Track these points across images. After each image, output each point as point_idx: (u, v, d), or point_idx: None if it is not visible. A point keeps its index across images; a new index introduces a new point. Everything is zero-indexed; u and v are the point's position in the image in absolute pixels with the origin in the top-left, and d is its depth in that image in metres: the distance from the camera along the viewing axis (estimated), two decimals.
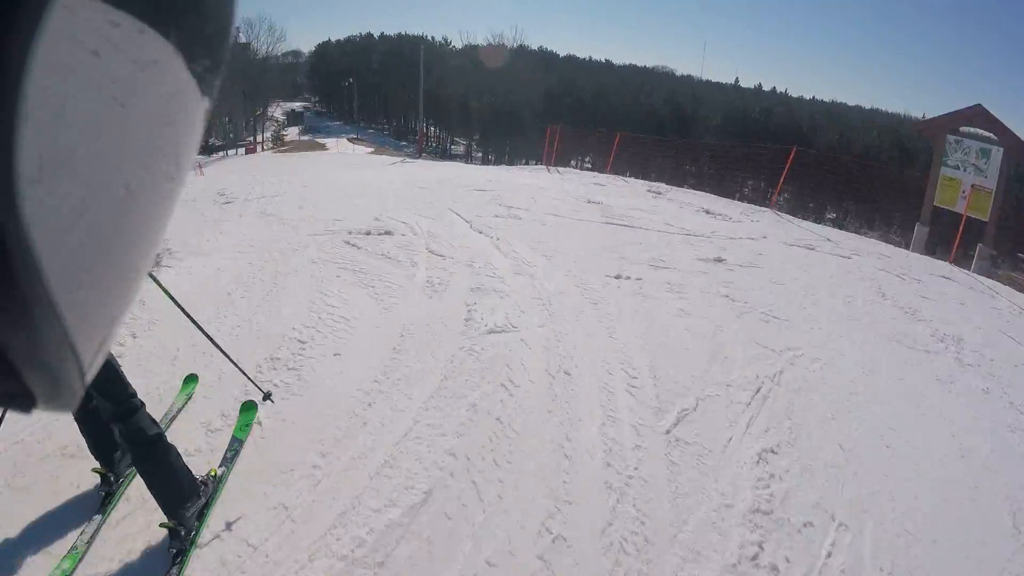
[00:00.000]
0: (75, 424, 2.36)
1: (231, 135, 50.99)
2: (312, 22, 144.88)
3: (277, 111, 76.82)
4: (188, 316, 2.58)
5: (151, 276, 2.45)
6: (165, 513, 2.18)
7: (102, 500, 2.37)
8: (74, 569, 2.08)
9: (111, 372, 2.22)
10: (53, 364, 0.23)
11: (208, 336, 2.65)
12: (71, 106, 0.20)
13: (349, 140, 45.80)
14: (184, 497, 2.23)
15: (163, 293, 2.58)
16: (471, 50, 63.22)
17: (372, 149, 37.65)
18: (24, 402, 0.24)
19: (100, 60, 0.21)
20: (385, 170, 14.04)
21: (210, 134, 52.20)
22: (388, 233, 5.93)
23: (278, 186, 8.34)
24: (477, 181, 9.93)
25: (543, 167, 15.17)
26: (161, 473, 2.21)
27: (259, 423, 2.90)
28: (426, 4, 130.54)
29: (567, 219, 7.33)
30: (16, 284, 0.20)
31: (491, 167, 21.03)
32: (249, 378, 2.92)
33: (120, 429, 2.17)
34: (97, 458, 2.38)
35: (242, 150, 45.04)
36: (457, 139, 58.55)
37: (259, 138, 51.07)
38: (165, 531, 2.16)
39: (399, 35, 74.83)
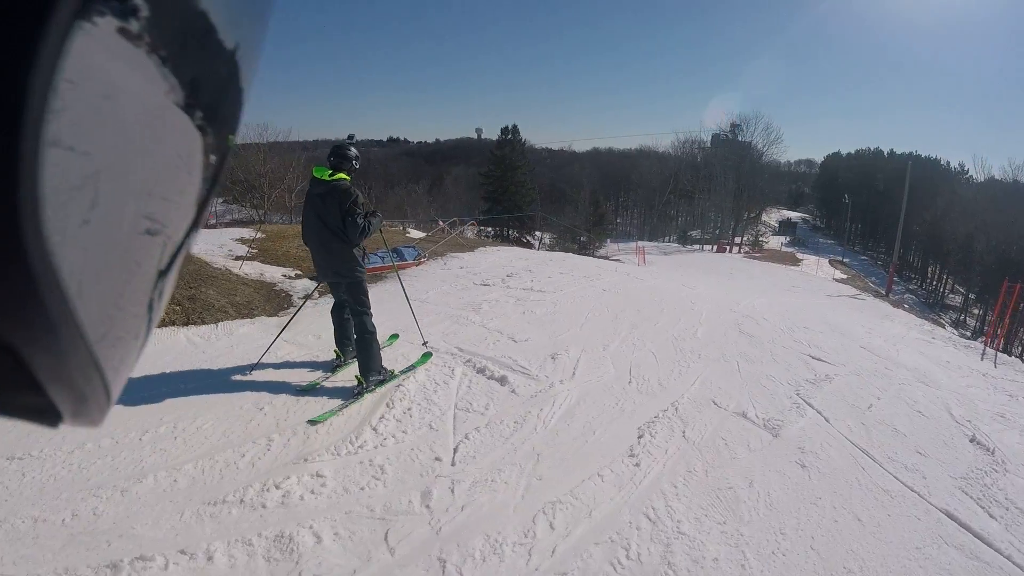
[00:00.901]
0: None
1: (716, 230, 54.65)
2: (827, 130, 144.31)
3: (773, 216, 78.30)
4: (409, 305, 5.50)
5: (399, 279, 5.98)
6: (360, 373, 4.16)
7: (334, 366, 4.63)
8: (315, 387, 4.26)
9: (363, 289, 4.19)
10: (79, 381, 0.25)
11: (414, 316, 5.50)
12: (89, 139, 0.21)
13: (831, 262, 43.90)
14: (372, 370, 4.19)
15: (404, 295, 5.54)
16: (991, 184, 53.62)
17: (847, 276, 35.43)
18: (50, 417, 0.25)
19: (116, 99, 0.23)
20: (815, 302, 13.94)
21: (686, 230, 57.27)
22: None
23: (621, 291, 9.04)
24: None
25: None
26: (366, 353, 4.16)
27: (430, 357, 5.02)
28: (949, 123, 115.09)
29: None
30: (42, 305, 0.21)
31: None
32: (424, 339, 5.38)
33: (355, 323, 4.21)
34: (336, 344, 4.64)
35: (716, 247, 47.99)
36: (958, 287, 49.61)
37: (737, 239, 53.22)
38: (355, 382, 4.20)
39: (911, 154, 68.24)
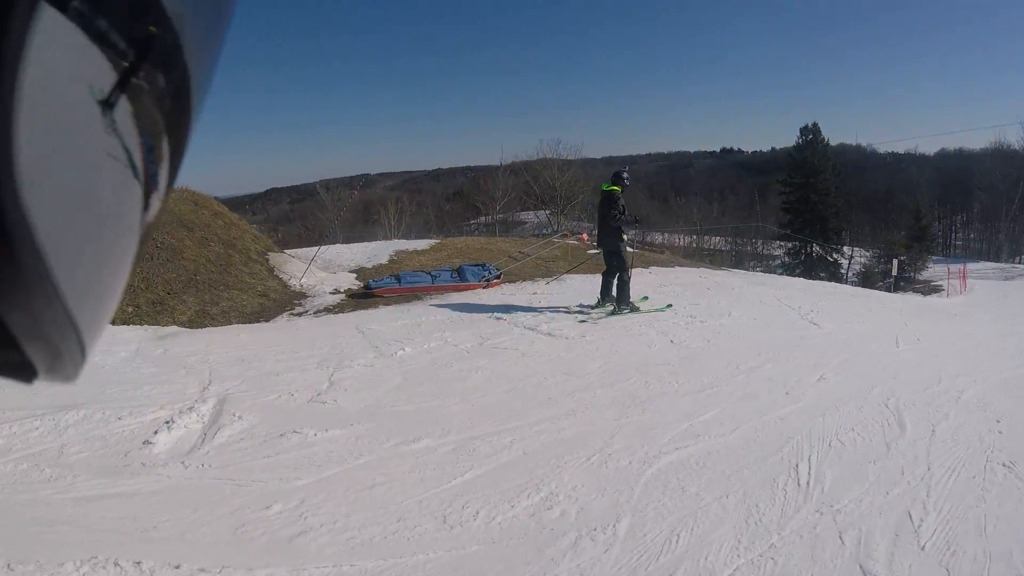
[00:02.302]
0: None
1: None
2: None
3: None
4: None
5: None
6: (616, 302, 7.09)
7: (597, 304, 7.30)
8: (590, 315, 7.06)
9: (624, 260, 6.98)
10: (54, 337, 0.25)
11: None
12: (56, 115, 0.22)
13: None
14: (623, 301, 7.03)
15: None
16: None
17: None
18: (26, 373, 0.25)
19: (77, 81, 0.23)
20: None
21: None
22: None
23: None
24: None
25: None
26: (621, 292, 7.02)
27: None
28: None
29: None
30: (18, 263, 0.21)
31: None
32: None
33: (617, 280, 7.05)
34: (601, 293, 7.29)
35: None
36: None
37: None
38: (612, 307, 7.12)
39: None
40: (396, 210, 38.55)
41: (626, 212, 6.99)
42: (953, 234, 63.37)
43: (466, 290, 8.54)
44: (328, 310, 7.67)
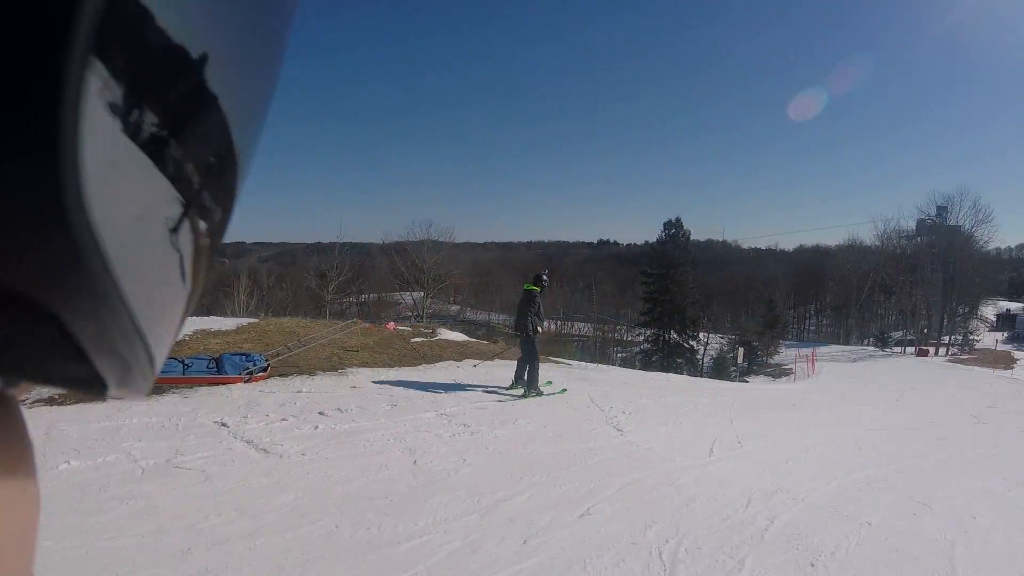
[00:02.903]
0: None
1: (924, 330, 46.28)
2: None
3: (989, 310, 65.81)
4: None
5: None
6: (526, 386, 7.91)
7: (513, 385, 8.18)
8: (524, 393, 7.95)
9: (534, 350, 8.03)
10: (123, 349, 0.25)
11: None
12: (118, 124, 0.21)
13: None
14: (531, 385, 7.86)
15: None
16: None
17: None
18: (97, 386, 0.25)
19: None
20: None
21: (885, 331, 48.66)
22: None
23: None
24: None
25: None
26: (529, 374, 7.88)
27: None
28: None
29: None
30: (86, 272, 0.21)
31: None
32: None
33: (528, 365, 7.95)
34: (515, 376, 8.15)
35: (917, 351, 40.15)
36: None
37: (946, 338, 44.59)
38: (521, 390, 7.96)
39: None
40: (248, 284, 35.97)
41: (540, 311, 7.98)
42: (807, 320, 69.41)
43: (223, 384, 7.10)
44: (48, 400, 5.96)
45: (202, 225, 0.29)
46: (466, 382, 8.79)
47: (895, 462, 7.04)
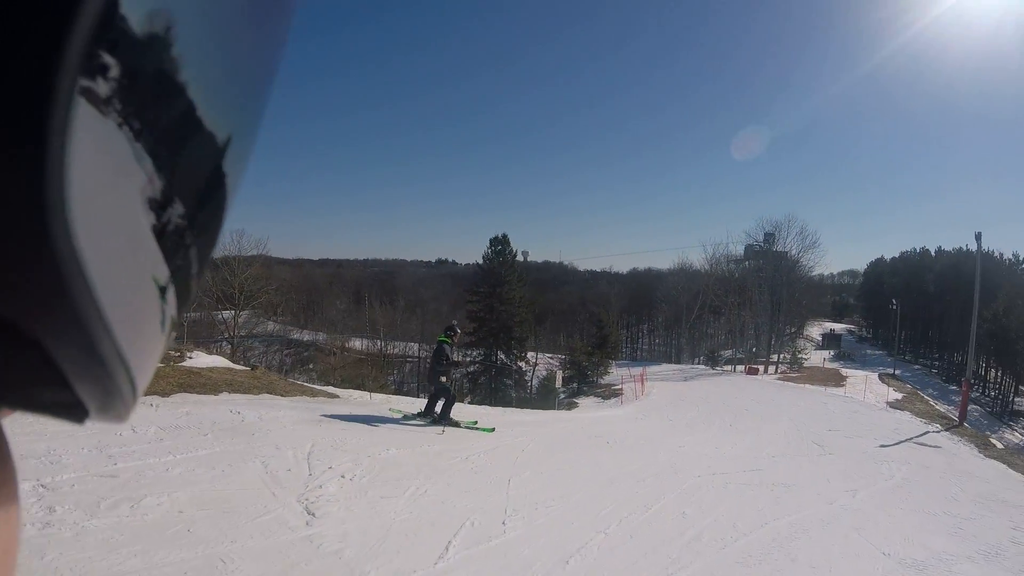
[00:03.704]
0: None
1: (753, 349, 48.35)
2: (870, 236, 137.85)
3: (816, 330, 72.55)
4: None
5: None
6: (438, 418, 8.75)
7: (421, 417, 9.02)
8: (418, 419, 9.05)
9: (447, 388, 9.05)
10: (106, 377, 0.25)
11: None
12: (104, 150, 0.21)
13: (881, 377, 36.98)
14: (444, 417, 8.72)
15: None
16: None
17: (901, 395, 28.70)
18: (77, 413, 0.25)
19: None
20: (865, 476, 8.15)
21: (715, 350, 51.10)
22: None
23: None
24: None
25: None
26: (444, 409, 8.77)
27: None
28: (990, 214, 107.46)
29: None
30: (68, 297, 0.21)
31: None
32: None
33: (444, 398, 8.87)
34: (426, 410, 9.13)
35: (746, 369, 41.57)
36: None
37: (775, 357, 46.86)
38: (432, 422, 8.77)
39: (958, 250, 62.37)
40: None
41: (450, 360, 8.87)
42: (640, 340, 71.35)
43: None
44: None
45: (188, 252, 0.29)
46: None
47: (735, 537, 4.67)
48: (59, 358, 0.22)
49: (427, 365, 9.33)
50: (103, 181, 0.21)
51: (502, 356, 38.21)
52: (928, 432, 15.59)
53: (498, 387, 36.79)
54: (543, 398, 28.55)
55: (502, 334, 38.00)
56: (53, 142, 0.19)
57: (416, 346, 50.64)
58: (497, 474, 6.30)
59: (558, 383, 20.78)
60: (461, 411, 10.13)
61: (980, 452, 13.35)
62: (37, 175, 0.19)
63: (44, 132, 0.18)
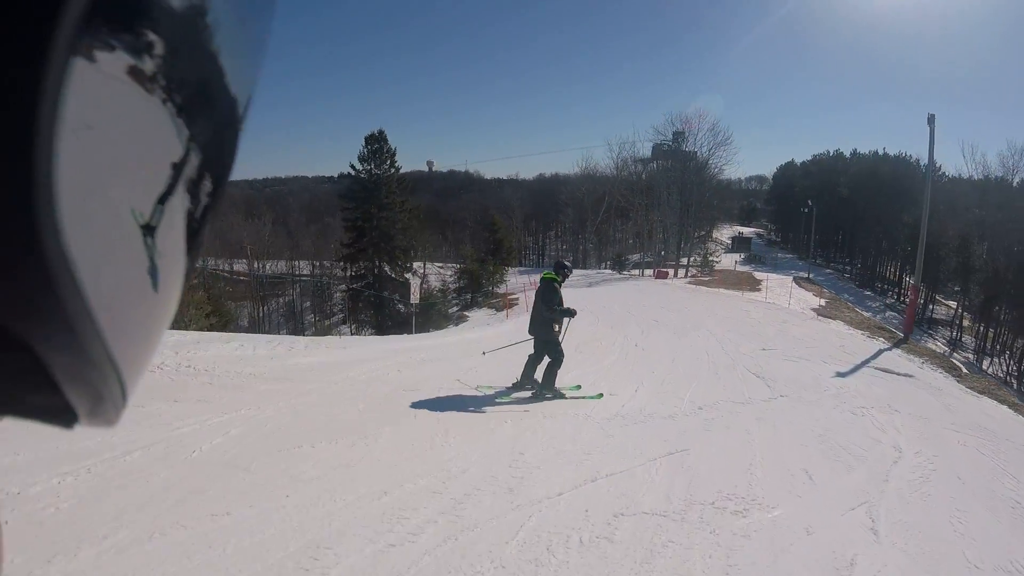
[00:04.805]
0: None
1: (662, 252, 45.62)
2: (781, 142, 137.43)
3: (725, 232, 71.09)
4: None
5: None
6: (540, 386, 6.36)
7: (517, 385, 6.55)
8: (510, 394, 6.43)
9: (558, 348, 6.33)
10: (96, 380, 0.24)
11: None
12: (98, 152, 0.21)
13: (796, 281, 34.57)
14: (547, 387, 6.33)
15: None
16: (984, 182, 46.05)
17: (824, 301, 25.98)
18: (66, 417, 0.25)
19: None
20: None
21: (623, 254, 48.36)
22: None
23: None
24: None
25: None
26: (547, 376, 6.32)
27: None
28: (914, 116, 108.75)
29: None
30: (59, 301, 0.20)
31: None
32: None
33: (549, 361, 6.33)
34: (522, 375, 6.53)
35: (655, 272, 38.49)
36: (940, 298, 43.65)
37: (684, 260, 44.13)
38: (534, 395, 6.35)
39: (874, 153, 61.07)
40: None
41: (563, 303, 6.52)
42: (548, 246, 67.79)
43: None
44: None
45: (180, 257, 0.29)
46: None
47: None
48: (49, 362, 0.21)
49: (530, 311, 6.84)
50: (92, 183, 0.21)
51: (387, 268, 32.95)
52: (881, 352, 11.98)
53: (382, 305, 31.88)
54: (424, 314, 24.20)
55: (382, 243, 32.40)
56: (40, 143, 0.18)
57: (300, 264, 45.17)
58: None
59: (414, 296, 16.33)
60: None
61: (963, 384, 9.71)
62: (25, 176, 0.18)
63: (31, 132, 0.18)
